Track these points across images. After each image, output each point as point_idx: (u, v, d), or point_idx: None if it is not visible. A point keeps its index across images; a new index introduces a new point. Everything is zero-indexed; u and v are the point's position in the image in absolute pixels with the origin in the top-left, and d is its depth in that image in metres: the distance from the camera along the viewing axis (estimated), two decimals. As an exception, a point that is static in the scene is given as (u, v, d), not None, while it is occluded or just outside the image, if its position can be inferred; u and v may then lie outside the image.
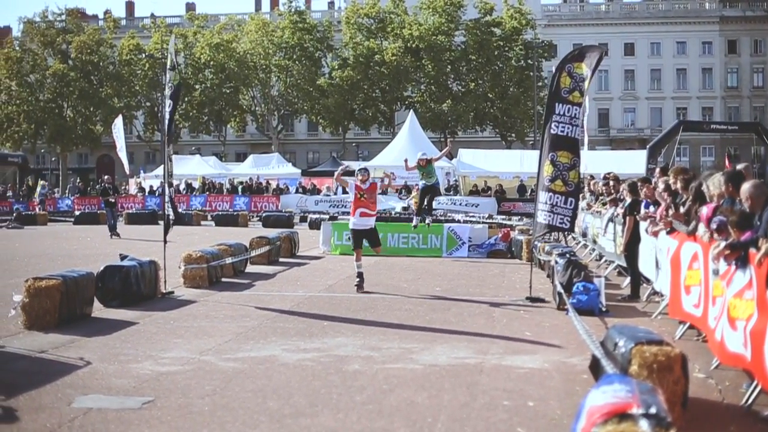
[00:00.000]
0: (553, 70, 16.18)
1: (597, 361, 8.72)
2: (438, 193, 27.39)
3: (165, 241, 17.42)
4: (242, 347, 11.45)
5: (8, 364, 10.45)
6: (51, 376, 9.68)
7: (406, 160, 24.65)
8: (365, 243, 18.07)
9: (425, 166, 24.33)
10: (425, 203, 24.84)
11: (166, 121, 17.43)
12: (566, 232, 21.64)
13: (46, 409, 8.32)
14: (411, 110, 64.30)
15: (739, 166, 12.13)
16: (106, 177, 37.94)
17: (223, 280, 18.81)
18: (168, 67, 17.43)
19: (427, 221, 24.87)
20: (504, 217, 42.93)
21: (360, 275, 17.41)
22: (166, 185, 17.25)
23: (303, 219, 45.18)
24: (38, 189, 58.56)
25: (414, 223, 24.94)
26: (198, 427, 7.69)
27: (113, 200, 33.44)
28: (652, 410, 5.51)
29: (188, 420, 7.93)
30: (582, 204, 26.65)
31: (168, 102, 17.33)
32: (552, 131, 15.55)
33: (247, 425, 7.76)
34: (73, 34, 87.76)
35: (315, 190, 54.99)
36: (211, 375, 9.77)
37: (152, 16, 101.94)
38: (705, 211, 10.59)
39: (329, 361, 10.52)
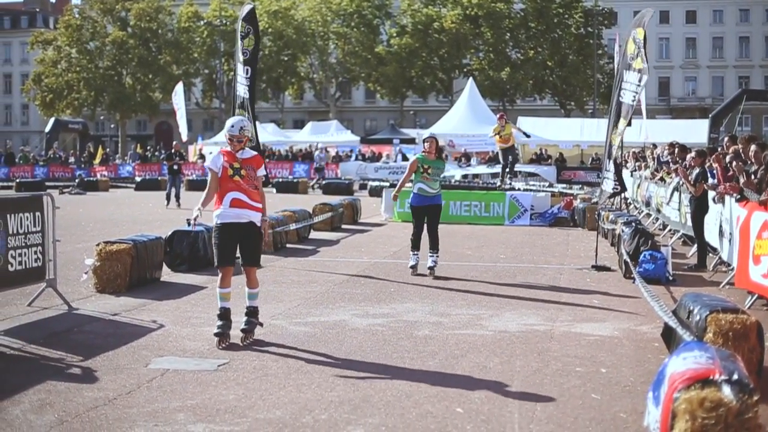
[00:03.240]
0: (616, 38, 16.17)
1: (669, 329, 8.69)
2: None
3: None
4: (311, 312, 11.56)
5: (83, 325, 10.65)
6: (126, 337, 9.86)
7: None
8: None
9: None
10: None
11: (244, 83, 16.64)
12: (621, 194, 23.37)
13: (124, 369, 8.47)
14: (470, 78, 63.93)
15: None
16: (174, 143, 38.11)
17: (288, 246, 18.93)
18: (241, 34, 16.66)
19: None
20: (565, 185, 42.65)
21: (224, 314, 9.83)
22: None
23: (363, 186, 45.17)
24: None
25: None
26: (274, 390, 7.78)
27: (177, 168, 33.03)
28: (735, 376, 5.50)
29: (264, 382, 8.03)
30: (646, 173, 26.49)
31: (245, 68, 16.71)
32: (621, 99, 15.53)
33: (323, 388, 7.84)
34: (132, 2, 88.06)
35: (374, 158, 54.99)
36: (283, 339, 9.88)
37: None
38: None
39: (399, 327, 10.59)
